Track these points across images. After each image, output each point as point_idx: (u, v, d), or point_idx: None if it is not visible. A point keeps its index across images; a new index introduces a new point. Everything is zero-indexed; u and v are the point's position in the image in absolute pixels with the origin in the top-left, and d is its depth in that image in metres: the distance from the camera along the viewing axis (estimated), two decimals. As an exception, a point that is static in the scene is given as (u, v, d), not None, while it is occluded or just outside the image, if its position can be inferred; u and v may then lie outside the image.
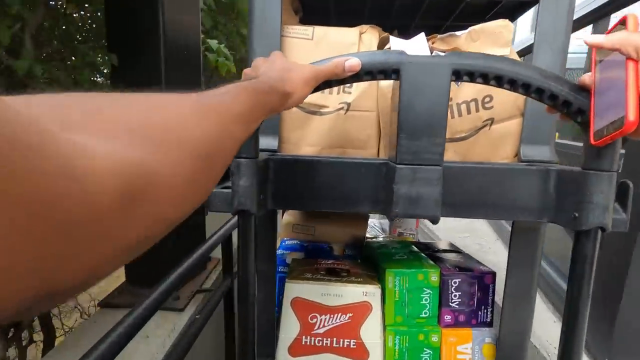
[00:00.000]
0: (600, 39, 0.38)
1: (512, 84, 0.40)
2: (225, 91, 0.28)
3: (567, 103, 0.40)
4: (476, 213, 0.47)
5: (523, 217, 0.47)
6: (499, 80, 0.40)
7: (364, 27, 0.61)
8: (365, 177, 0.46)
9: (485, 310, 0.70)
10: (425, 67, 0.40)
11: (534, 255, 0.60)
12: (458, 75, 0.40)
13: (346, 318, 0.67)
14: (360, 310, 0.67)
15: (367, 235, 1.66)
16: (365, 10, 0.72)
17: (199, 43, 1.40)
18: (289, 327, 0.66)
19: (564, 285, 1.16)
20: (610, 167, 0.40)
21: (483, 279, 0.69)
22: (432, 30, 0.81)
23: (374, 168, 0.46)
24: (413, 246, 0.85)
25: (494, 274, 0.69)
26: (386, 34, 0.60)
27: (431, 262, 0.72)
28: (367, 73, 0.41)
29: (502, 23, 0.55)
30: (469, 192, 0.46)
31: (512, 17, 0.72)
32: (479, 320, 0.69)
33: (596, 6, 1.25)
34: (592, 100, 0.39)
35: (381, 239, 1.04)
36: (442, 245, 0.89)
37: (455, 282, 0.68)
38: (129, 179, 0.15)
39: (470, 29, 0.55)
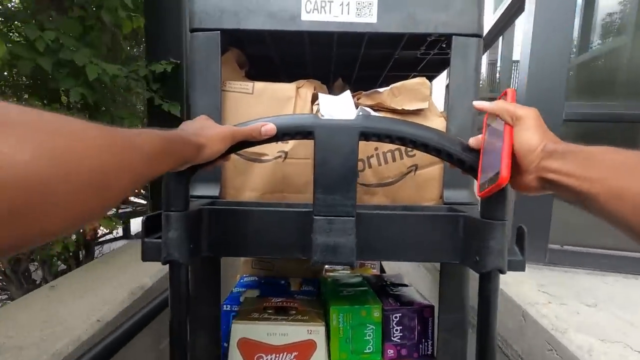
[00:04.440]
0: (485, 104, 0.45)
1: (414, 144, 0.46)
2: (140, 132, 0.30)
3: (461, 161, 0.45)
4: (393, 256, 0.51)
5: (436, 259, 0.52)
6: (403, 140, 0.46)
7: (301, 81, 0.66)
8: (290, 225, 0.50)
9: (426, 343, 0.73)
10: (337, 129, 0.45)
11: (463, 291, 0.64)
12: (366, 136, 0.46)
13: (292, 357, 0.69)
14: (306, 348, 0.69)
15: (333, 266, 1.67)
16: (308, 63, 0.78)
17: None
18: (235, 368, 0.67)
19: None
20: (502, 216, 0.45)
21: (422, 313, 0.72)
22: (372, 79, 0.89)
23: (299, 217, 0.49)
24: (365, 280, 0.89)
25: (432, 308, 0.73)
26: (318, 89, 0.66)
27: (375, 297, 0.75)
28: (285, 134, 0.46)
29: (420, 81, 0.62)
30: (385, 237, 0.50)
31: (439, 70, 0.79)
32: (420, 353, 0.72)
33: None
34: (480, 159, 0.44)
35: (338, 273, 1.07)
36: (394, 278, 0.93)
37: (396, 317, 0.72)
38: (22, 193, 0.17)
39: (392, 86, 0.61)
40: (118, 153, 0.26)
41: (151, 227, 0.49)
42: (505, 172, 0.38)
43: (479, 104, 0.45)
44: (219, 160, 0.47)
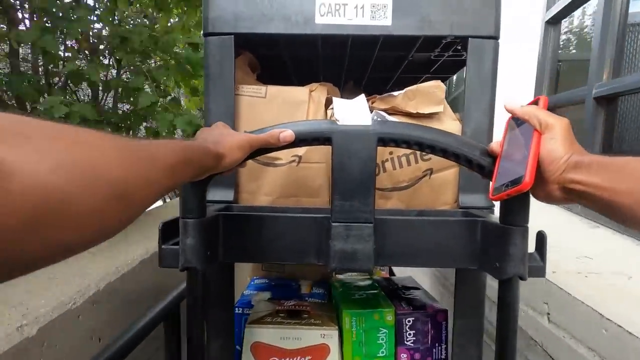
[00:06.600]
0: (515, 107, 0.44)
1: (432, 149, 0.45)
2: (160, 143, 0.31)
3: (480, 166, 0.45)
4: (410, 262, 0.51)
5: (453, 265, 0.51)
6: (421, 146, 0.45)
7: (314, 85, 0.66)
8: (306, 231, 0.49)
9: (439, 348, 0.72)
10: (354, 135, 0.45)
11: (479, 297, 0.64)
12: (384, 142, 0.45)
13: (305, 361, 0.68)
14: (319, 353, 0.69)
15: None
16: (320, 66, 0.78)
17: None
18: (249, 372, 0.67)
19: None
20: (523, 222, 0.45)
21: (436, 317, 0.72)
22: (384, 81, 0.88)
23: (315, 223, 0.49)
24: (376, 284, 0.88)
25: (446, 312, 0.72)
26: (330, 93, 0.66)
27: (387, 301, 0.75)
28: (302, 141, 0.45)
29: (434, 84, 0.61)
30: (402, 243, 0.49)
31: (453, 71, 0.79)
32: (434, 357, 0.72)
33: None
34: (496, 164, 0.44)
35: (347, 276, 1.06)
36: (405, 281, 0.92)
37: (409, 321, 0.71)
38: (41, 203, 0.17)
39: (406, 89, 0.61)
40: (139, 165, 0.26)
41: (168, 233, 0.49)
42: (529, 177, 0.38)
43: (509, 106, 0.45)
44: (236, 167, 0.46)
